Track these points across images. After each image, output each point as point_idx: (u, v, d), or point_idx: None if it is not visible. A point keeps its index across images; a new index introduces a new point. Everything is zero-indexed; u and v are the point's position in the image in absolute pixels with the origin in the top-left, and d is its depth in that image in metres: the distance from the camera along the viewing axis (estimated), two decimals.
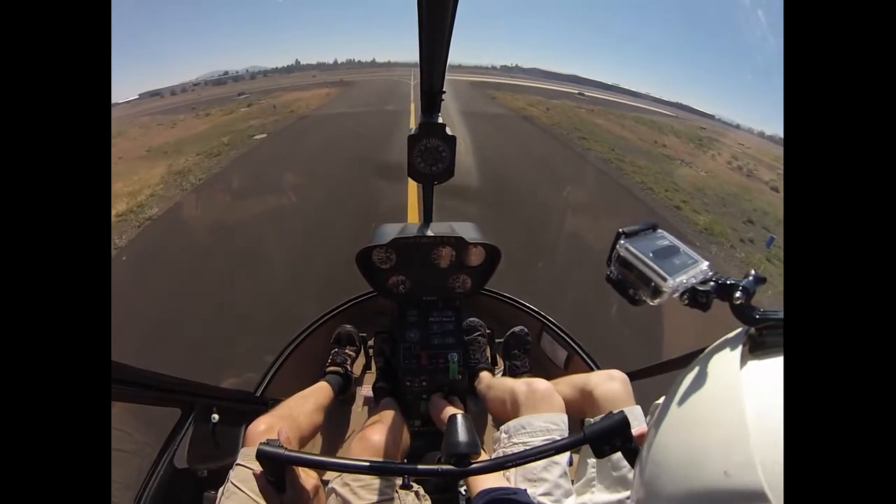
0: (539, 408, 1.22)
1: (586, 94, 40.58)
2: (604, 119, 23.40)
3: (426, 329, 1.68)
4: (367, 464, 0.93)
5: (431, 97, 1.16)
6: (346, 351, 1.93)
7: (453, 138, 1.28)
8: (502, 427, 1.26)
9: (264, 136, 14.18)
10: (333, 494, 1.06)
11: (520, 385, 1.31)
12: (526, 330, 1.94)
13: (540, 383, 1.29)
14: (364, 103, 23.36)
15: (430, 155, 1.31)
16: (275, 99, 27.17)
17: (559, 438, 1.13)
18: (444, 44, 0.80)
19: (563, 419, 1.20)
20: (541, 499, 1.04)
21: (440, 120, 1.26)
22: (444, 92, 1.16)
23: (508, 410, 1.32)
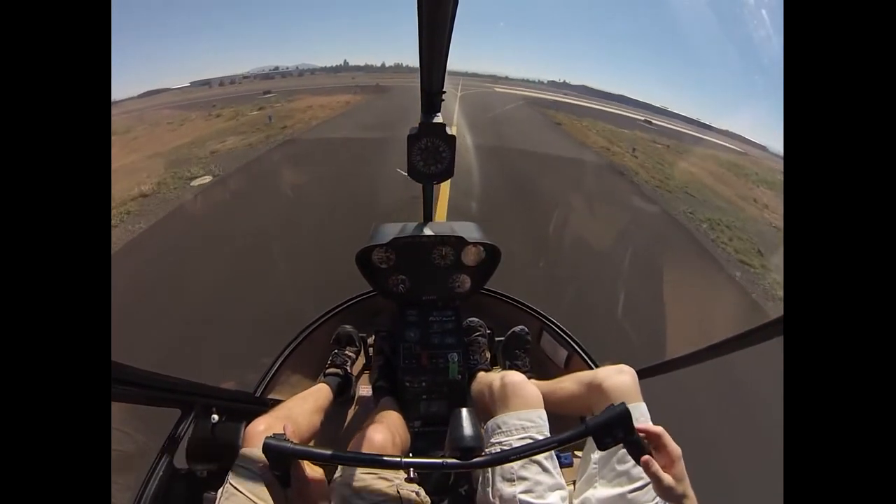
0: (510, 404, 1.22)
1: (653, 121, 35.37)
2: (692, 164, 17.11)
3: (426, 329, 1.68)
4: (372, 458, 0.93)
5: (431, 97, 1.16)
6: (346, 352, 1.93)
7: (453, 138, 1.29)
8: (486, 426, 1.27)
9: (207, 181, 8.72)
10: (335, 492, 1.06)
11: (495, 380, 1.32)
12: (526, 330, 1.94)
13: (511, 376, 1.27)
14: (381, 123, 15.53)
15: (430, 155, 1.31)
16: (291, 103, 23.50)
17: (537, 435, 1.15)
18: (444, 44, 0.81)
19: (539, 415, 1.20)
20: (521, 496, 1.04)
21: (440, 119, 1.26)
22: (444, 92, 1.16)
23: (487, 406, 1.32)
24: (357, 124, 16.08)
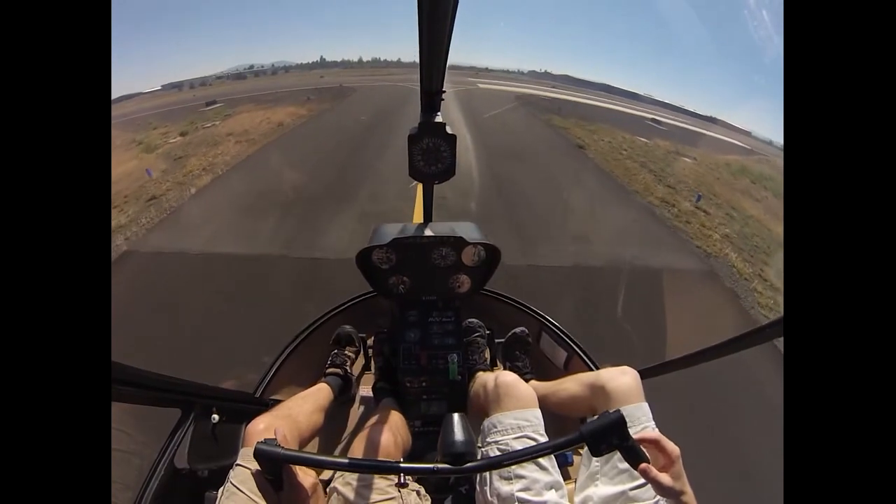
0: (504, 403, 1.22)
1: (661, 120, 30.55)
2: (741, 191, 12.79)
3: (426, 329, 1.68)
4: (362, 463, 0.93)
5: (431, 97, 1.16)
6: (346, 352, 1.93)
7: (453, 137, 1.29)
8: (482, 426, 1.27)
9: None
10: (335, 493, 1.06)
11: (489, 380, 1.32)
12: (526, 331, 1.94)
13: (504, 376, 1.28)
14: (293, 195, 7.75)
15: (431, 154, 1.31)
16: (226, 120, 18.28)
17: (532, 434, 1.15)
18: (444, 43, 0.81)
19: (534, 414, 1.20)
20: (519, 494, 1.04)
21: (440, 119, 1.26)
22: (444, 91, 1.16)
23: (483, 406, 1.32)
24: (261, 191, 8.15)
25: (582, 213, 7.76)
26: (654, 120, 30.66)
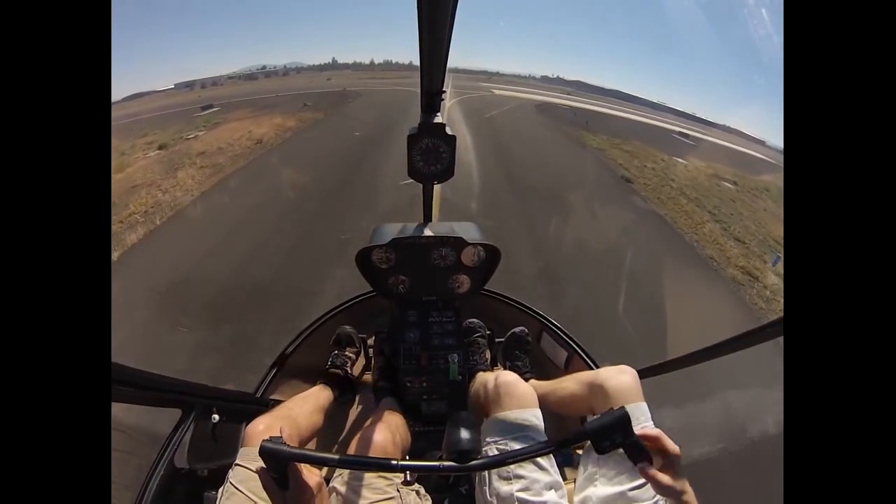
0: (504, 403, 1.22)
1: (689, 133, 29.05)
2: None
3: (426, 329, 1.68)
4: (368, 461, 0.93)
5: (431, 97, 1.16)
6: (346, 353, 1.93)
7: (453, 138, 1.29)
8: (482, 426, 1.27)
9: None
10: (335, 493, 1.06)
11: (490, 380, 1.32)
12: (526, 330, 1.94)
13: (505, 376, 1.28)
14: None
15: (430, 155, 1.31)
16: (212, 130, 17.14)
17: (533, 434, 1.15)
18: (444, 44, 0.81)
19: (535, 414, 1.20)
20: (519, 494, 1.04)
21: (440, 119, 1.26)
22: (445, 92, 1.16)
23: (483, 406, 1.33)
24: (193, 265, 5.95)
25: (671, 324, 4.91)
26: (681, 133, 28.46)
